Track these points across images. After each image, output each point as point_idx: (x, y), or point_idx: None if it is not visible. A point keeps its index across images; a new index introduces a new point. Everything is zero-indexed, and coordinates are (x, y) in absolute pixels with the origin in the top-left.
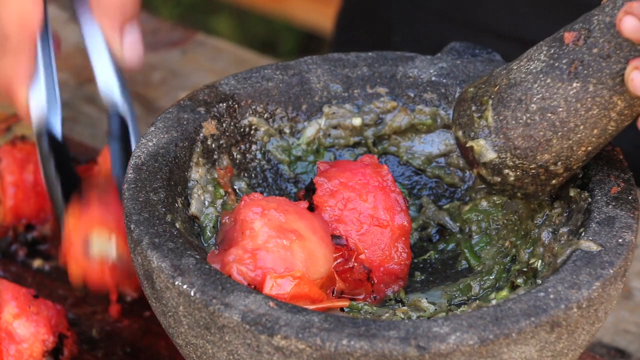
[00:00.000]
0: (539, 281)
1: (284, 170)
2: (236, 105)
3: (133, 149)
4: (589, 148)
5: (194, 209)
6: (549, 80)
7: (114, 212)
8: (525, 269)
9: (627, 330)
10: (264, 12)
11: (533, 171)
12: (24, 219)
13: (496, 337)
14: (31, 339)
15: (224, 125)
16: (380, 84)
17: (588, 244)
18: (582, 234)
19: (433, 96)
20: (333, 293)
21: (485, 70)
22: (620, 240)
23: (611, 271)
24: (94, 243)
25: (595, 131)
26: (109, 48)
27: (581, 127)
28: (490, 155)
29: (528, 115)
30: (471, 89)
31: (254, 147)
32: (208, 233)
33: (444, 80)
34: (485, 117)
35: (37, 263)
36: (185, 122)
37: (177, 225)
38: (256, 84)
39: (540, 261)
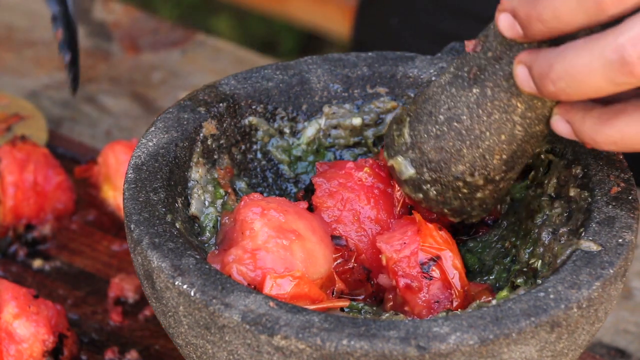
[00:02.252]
0: (539, 281)
1: (284, 170)
2: (236, 105)
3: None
4: (503, 156)
5: (194, 209)
6: (453, 90)
7: None
8: (525, 269)
9: (627, 330)
10: (264, 12)
11: (451, 184)
12: (24, 219)
13: (496, 337)
14: (31, 339)
15: (224, 125)
16: (380, 84)
17: (588, 244)
18: (582, 234)
19: None
20: (333, 293)
21: None
22: (620, 240)
23: (611, 271)
24: None
25: (503, 137)
26: None
27: (487, 133)
28: (409, 171)
29: (437, 127)
30: (398, 110)
31: (254, 147)
32: (208, 233)
33: None
34: (402, 134)
35: (37, 263)
36: (185, 122)
37: (177, 225)
38: (256, 84)
39: (540, 261)
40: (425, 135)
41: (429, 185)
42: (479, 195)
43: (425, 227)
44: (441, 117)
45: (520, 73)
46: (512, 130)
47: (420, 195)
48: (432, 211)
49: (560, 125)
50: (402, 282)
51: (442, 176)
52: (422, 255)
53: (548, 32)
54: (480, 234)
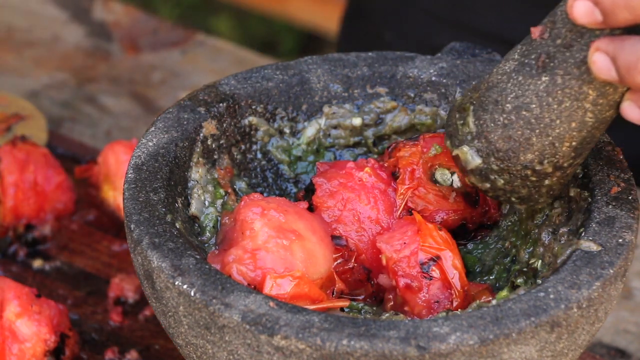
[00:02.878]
0: (539, 281)
1: (284, 170)
2: (236, 105)
3: None
4: (573, 143)
5: (194, 209)
6: (520, 78)
7: None
8: (525, 269)
9: (627, 330)
10: (264, 12)
11: (520, 173)
12: (24, 219)
13: (496, 337)
14: (33, 338)
15: (224, 125)
16: (380, 84)
17: (588, 244)
18: (582, 234)
19: (433, 96)
20: (333, 293)
21: (485, 70)
22: (620, 240)
23: (611, 271)
24: None
25: (574, 124)
26: None
27: (557, 121)
28: (475, 161)
29: (504, 115)
30: (458, 97)
31: (254, 147)
32: (208, 233)
33: (444, 80)
34: (467, 123)
35: (37, 263)
36: (185, 122)
37: (177, 225)
38: (256, 84)
39: (540, 261)
40: (492, 124)
41: (496, 175)
42: (547, 182)
43: (425, 227)
44: (508, 105)
45: (599, 60)
46: (583, 117)
47: (488, 185)
48: (499, 200)
49: (632, 111)
50: (402, 282)
51: (511, 165)
52: (422, 255)
53: (633, 20)
54: (479, 238)
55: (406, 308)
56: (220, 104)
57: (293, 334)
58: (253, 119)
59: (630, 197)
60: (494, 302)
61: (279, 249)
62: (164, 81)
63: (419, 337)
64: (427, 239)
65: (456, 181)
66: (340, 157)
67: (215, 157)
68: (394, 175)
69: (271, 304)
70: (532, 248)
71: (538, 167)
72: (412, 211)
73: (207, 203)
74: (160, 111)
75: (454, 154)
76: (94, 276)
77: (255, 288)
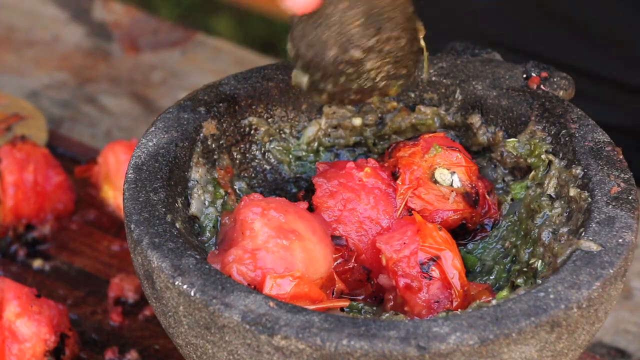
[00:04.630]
0: (539, 281)
1: (284, 170)
2: (236, 105)
3: None
4: (357, 22)
5: (194, 209)
6: None
7: None
8: (525, 269)
9: (627, 330)
10: (264, 12)
11: (337, 70)
12: (24, 219)
13: (496, 337)
14: (33, 339)
15: (224, 125)
16: None
17: (588, 244)
18: (582, 234)
19: (433, 96)
20: (333, 293)
21: (485, 70)
22: (620, 240)
23: (611, 271)
24: None
25: (341, 5)
26: None
27: (332, 8)
28: (304, 79)
29: (300, 26)
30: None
31: (254, 147)
32: (208, 233)
33: (444, 80)
34: (288, 49)
35: (37, 263)
36: (185, 122)
37: (177, 225)
38: (256, 84)
39: (540, 261)
40: (296, 40)
41: (323, 82)
42: (368, 66)
43: (425, 228)
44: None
45: None
46: None
47: (324, 96)
48: (344, 103)
49: None
50: (402, 282)
51: (325, 67)
52: (422, 255)
53: None
54: (479, 238)
55: (406, 308)
56: (220, 104)
57: (293, 334)
58: (253, 119)
59: (630, 197)
60: (494, 302)
61: (278, 249)
62: (164, 81)
63: (419, 337)
64: (427, 239)
65: (456, 181)
66: (340, 157)
67: (215, 157)
68: (394, 175)
69: (271, 304)
70: (532, 248)
71: (346, 57)
72: (412, 211)
73: (207, 203)
74: (160, 111)
75: (294, 83)
76: (93, 276)
77: (255, 288)
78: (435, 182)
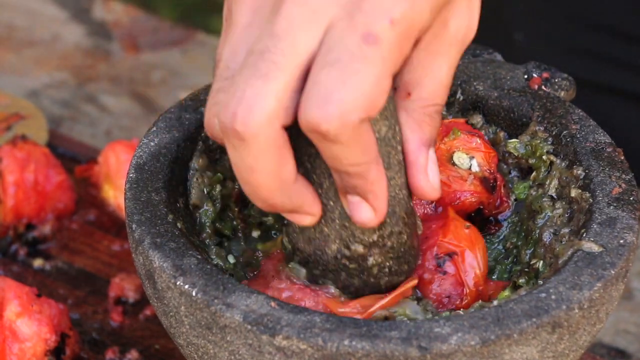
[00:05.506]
0: (540, 282)
1: None
2: None
3: None
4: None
5: (194, 198)
6: None
7: None
8: (527, 269)
9: (627, 331)
10: None
11: (338, 265)
12: (25, 219)
13: (498, 337)
14: (34, 338)
15: None
16: None
17: (589, 245)
18: (584, 235)
19: None
20: None
21: (486, 70)
22: (621, 241)
23: (612, 272)
24: None
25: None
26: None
27: (330, 202)
28: (302, 273)
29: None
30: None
31: None
32: (207, 230)
33: None
34: (285, 244)
35: (37, 263)
36: (187, 122)
37: (179, 225)
38: None
39: (542, 261)
40: (295, 234)
41: (323, 278)
42: (371, 261)
43: (450, 223)
44: None
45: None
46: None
47: (325, 288)
48: (347, 296)
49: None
50: (416, 273)
51: (326, 262)
52: (439, 249)
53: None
54: (493, 231)
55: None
56: None
57: (294, 334)
58: None
59: (631, 198)
60: (495, 302)
61: None
62: (164, 81)
63: (421, 338)
64: (448, 234)
65: (474, 166)
66: None
67: (217, 157)
68: None
69: (272, 304)
70: (533, 249)
71: (347, 252)
72: (448, 207)
73: (205, 191)
74: (160, 111)
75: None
76: (94, 276)
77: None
78: (454, 164)
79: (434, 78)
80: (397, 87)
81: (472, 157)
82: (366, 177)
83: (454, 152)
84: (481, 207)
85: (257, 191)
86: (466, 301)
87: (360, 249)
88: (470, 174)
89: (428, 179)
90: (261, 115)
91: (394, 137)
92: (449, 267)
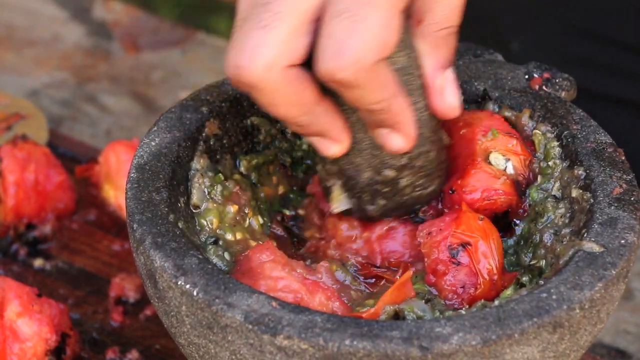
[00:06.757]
0: (541, 282)
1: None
2: (239, 105)
3: None
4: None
5: (195, 198)
6: None
7: None
8: (530, 268)
9: (627, 331)
10: None
11: (372, 190)
12: (25, 219)
13: (499, 337)
14: (34, 338)
15: (227, 124)
16: None
17: (590, 245)
18: (585, 235)
19: None
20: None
21: (487, 71)
22: (622, 241)
23: (613, 272)
24: None
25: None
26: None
27: (360, 134)
28: (346, 205)
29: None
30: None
31: (256, 147)
32: (207, 228)
33: None
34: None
35: (38, 262)
36: (187, 122)
37: (180, 225)
38: None
39: (544, 261)
40: (329, 166)
41: (361, 204)
42: (403, 183)
43: (463, 215)
44: None
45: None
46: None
47: (364, 214)
48: (382, 218)
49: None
50: (431, 265)
51: (363, 189)
52: (452, 240)
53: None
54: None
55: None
56: (223, 104)
57: (296, 334)
58: (256, 119)
59: (632, 199)
60: (496, 302)
61: None
62: (164, 80)
63: (422, 338)
64: (461, 226)
65: (510, 168)
66: None
67: (218, 157)
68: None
69: (274, 304)
70: (532, 252)
71: (380, 178)
72: (461, 202)
73: (206, 191)
74: (160, 111)
75: (335, 211)
76: (94, 276)
77: None
78: (489, 164)
79: (443, 1)
80: (410, 16)
81: (508, 160)
82: (390, 111)
83: (490, 152)
84: (509, 210)
85: (285, 118)
86: (480, 290)
87: (391, 173)
88: (503, 174)
89: (445, 100)
90: (261, 65)
91: (413, 64)
92: (463, 257)
